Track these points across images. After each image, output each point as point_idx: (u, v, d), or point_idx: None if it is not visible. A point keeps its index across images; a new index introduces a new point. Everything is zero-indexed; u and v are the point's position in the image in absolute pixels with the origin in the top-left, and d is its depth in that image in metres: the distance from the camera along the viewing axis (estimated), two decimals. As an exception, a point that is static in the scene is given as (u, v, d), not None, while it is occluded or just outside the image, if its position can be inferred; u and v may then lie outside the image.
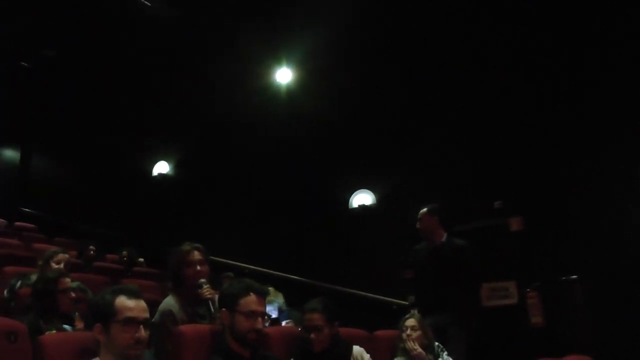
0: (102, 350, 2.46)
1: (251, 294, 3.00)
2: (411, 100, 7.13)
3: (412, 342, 4.09)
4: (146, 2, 9.27)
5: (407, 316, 4.31)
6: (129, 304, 2.47)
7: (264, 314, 3.07)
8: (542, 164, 6.03)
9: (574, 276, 5.48)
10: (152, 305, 2.79)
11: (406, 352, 4.09)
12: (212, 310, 3.45)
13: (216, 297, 3.46)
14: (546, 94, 6.18)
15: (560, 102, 6.05)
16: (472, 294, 5.33)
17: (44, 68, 11.94)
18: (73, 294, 3.96)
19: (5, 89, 12.53)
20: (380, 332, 4.41)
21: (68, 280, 4.03)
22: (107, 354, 2.44)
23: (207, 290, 3.56)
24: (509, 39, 6.43)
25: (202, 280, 3.60)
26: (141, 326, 2.45)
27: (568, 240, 5.78)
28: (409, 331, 4.15)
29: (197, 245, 3.74)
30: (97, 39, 10.60)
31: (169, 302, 3.57)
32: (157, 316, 3.51)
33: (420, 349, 4.08)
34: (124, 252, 8.05)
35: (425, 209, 5.39)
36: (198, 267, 3.63)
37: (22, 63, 11.84)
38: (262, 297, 3.07)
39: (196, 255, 3.67)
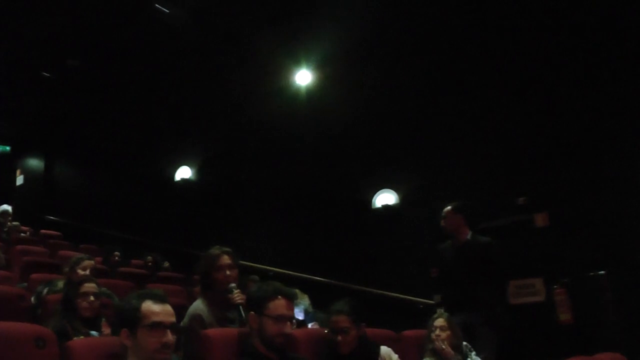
0: (130, 355, 2.45)
1: (280, 297, 2.98)
2: (432, 99, 7.08)
3: (441, 342, 4.04)
4: (164, 9, 9.29)
5: (435, 316, 4.26)
6: (155, 309, 2.46)
7: (292, 318, 3.05)
8: (566, 159, 5.94)
9: (602, 271, 5.38)
10: (178, 310, 2.78)
11: (435, 352, 4.04)
12: (243, 314, 3.43)
13: None
14: (572, 87, 6.08)
15: (586, 96, 5.95)
16: (499, 291, 5.27)
17: (66, 77, 12.05)
18: (92, 298, 3.95)
19: (29, 99, 12.70)
20: (407, 332, 4.38)
21: (93, 285, 4.04)
22: (135, 359, 2.44)
23: (237, 295, 3.54)
24: (529, 35, 6.35)
25: (233, 284, 3.59)
26: (168, 330, 2.44)
27: (595, 235, 5.66)
28: (438, 331, 4.10)
29: (227, 249, 3.73)
30: (119, 47, 10.68)
31: (198, 306, 3.56)
32: (185, 320, 3.51)
33: (449, 349, 4.03)
34: (149, 257, 8.09)
35: (449, 207, 5.35)
36: (227, 272, 3.62)
37: (45, 73, 11.95)
38: (291, 301, 3.06)
39: (225, 259, 3.66)
